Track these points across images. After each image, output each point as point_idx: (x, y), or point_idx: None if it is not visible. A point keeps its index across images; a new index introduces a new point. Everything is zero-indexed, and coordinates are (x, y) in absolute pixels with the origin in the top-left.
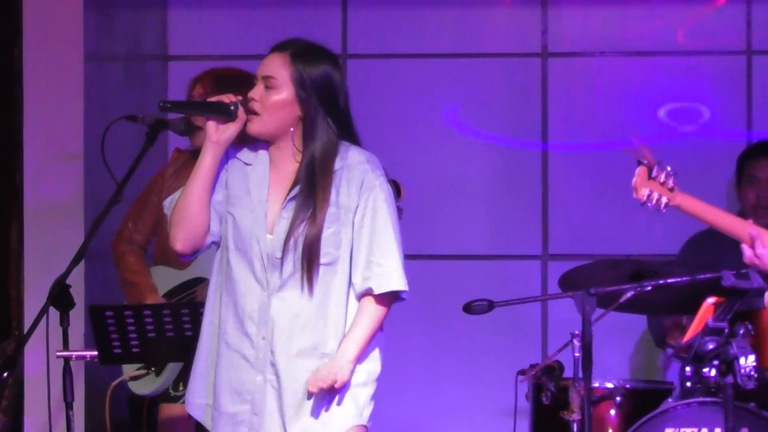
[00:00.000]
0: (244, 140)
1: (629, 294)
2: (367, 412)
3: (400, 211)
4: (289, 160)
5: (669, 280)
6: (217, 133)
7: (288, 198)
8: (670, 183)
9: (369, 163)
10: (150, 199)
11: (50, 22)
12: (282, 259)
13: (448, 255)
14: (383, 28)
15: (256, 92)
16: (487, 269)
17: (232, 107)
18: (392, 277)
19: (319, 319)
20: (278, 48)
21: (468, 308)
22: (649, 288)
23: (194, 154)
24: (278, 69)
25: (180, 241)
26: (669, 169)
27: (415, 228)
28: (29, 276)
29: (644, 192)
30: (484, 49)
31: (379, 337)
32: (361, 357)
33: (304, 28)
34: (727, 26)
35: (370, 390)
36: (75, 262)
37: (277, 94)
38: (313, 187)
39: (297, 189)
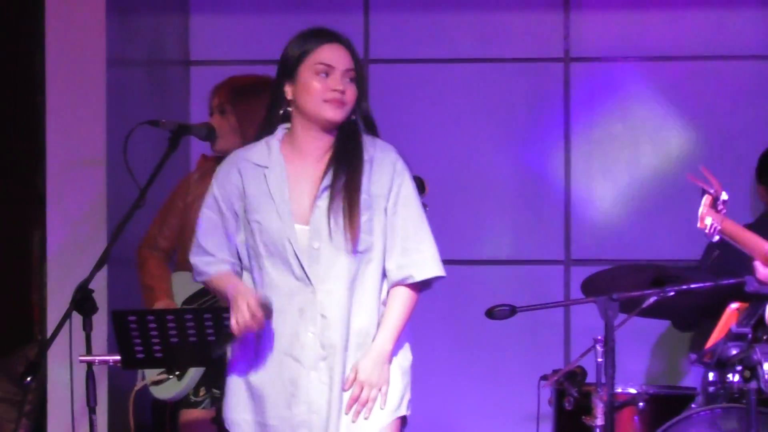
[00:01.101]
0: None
1: (652, 299)
2: (406, 400)
3: (424, 206)
4: (313, 151)
5: (692, 286)
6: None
7: (322, 187)
8: (724, 209)
9: (396, 153)
10: (175, 205)
11: (72, 28)
12: (319, 248)
13: (471, 260)
14: (405, 33)
15: (341, 84)
16: (509, 274)
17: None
18: (430, 263)
19: (361, 309)
20: (334, 38)
21: (491, 313)
22: (672, 293)
23: (219, 159)
24: (351, 61)
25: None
26: (726, 197)
27: (438, 233)
28: (52, 281)
29: (708, 221)
30: (506, 53)
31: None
32: (395, 347)
33: None
34: (751, 30)
35: (407, 379)
36: (98, 267)
37: (354, 86)
38: (348, 173)
39: (329, 177)
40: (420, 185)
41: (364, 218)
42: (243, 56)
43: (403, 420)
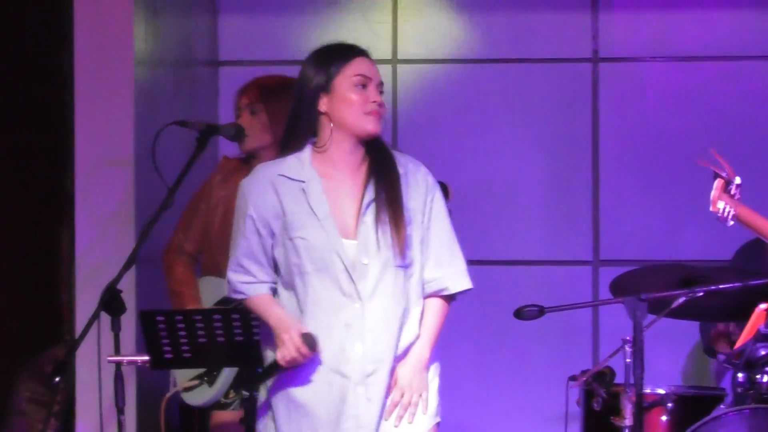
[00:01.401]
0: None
1: (680, 300)
2: (439, 407)
3: (449, 212)
4: (347, 165)
5: (721, 286)
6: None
7: (366, 202)
8: (738, 194)
9: (424, 167)
10: (198, 208)
11: (100, 28)
12: (368, 264)
13: (499, 260)
14: (433, 34)
15: (378, 96)
16: (538, 275)
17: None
18: (462, 276)
19: (408, 322)
20: (363, 53)
21: (519, 314)
22: (701, 294)
23: (242, 161)
24: (379, 74)
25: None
26: (739, 181)
27: (466, 234)
28: (80, 281)
29: (720, 205)
30: (534, 54)
31: None
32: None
33: (354, 33)
34: None
35: (438, 386)
36: (126, 267)
37: (383, 98)
38: (389, 188)
39: (371, 192)
40: (444, 191)
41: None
42: (271, 56)
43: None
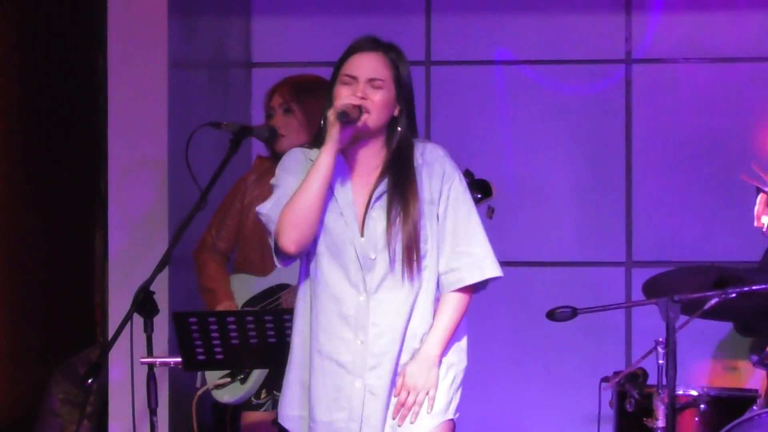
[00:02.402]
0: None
1: (713, 301)
2: (454, 404)
3: (491, 209)
4: (365, 163)
5: (754, 287)
6: (342, 135)
7: (375, 197)
8: None
9: (446, 156)
10: (232, 206)
11: (135, 30)
12: (375, 259)
13: (532, 261)
14: (467, 35)
15: (365, 92)
16: (571, 276)
17: (361, 109)
18: (483, 264)
19: (416, 315)
20: (365, 48)
21: (552, 315)
22: (734, 295)
23: (276, 160)
24: (381, 69)
25: (295, 243)
26: None
27: (499, 234)
28: (114, 283)
29: (765, 221)
30: (567, 55)
31: (462, 326)
32: (445, 350)
33: (387, 34)
34: None
35: (458, 383)
36: (159, 268)
37: (383, 93)
38: (401, 183)
39: (382, 187)
40: (486, 189)
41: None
42: (304, 58)
43: (452, 424)
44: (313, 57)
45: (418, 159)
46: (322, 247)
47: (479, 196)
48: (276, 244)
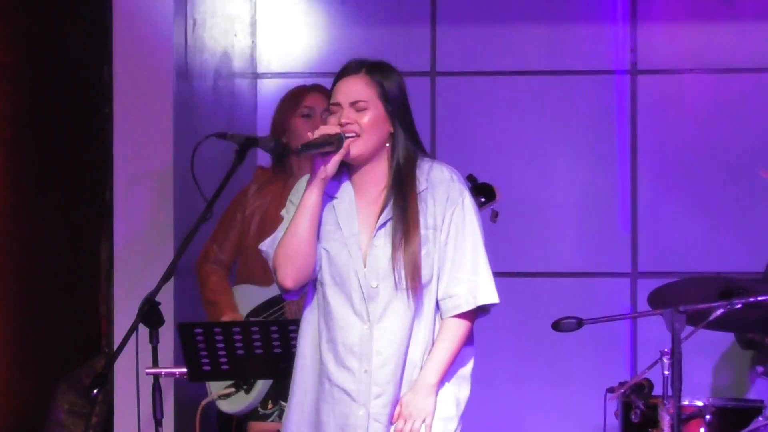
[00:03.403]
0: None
1: (719, 312)
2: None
3: (495, 213)
4: (373, 186)
5: (759, 298)
6: (324, 168)
7: (378, 226)
8: None
9: (452, 179)
10: (234, 218)
11: (140, 40)
12: (377, 287)
13: (537, 272)
14: (472, 46)
15: (349, 117)
16: (576, 286)
17: (341, 136)
18: (479, 291)
19: (417, 343)
20: (348, 72)
21: (557, 326)
22: (739, 306)
23: (279, 171)
24: (362, 90)
25: (291, 279)
26: None
27: (504, 245)
28: (119, 293)
29: None
30: (572, 66)
31: (467, 353)
32: (446, 376)
33: (392, 45)
34: None
35: (459, 411)
36: (165, 279)
37: (370, 113)
38: (404, 211)
39: (386, 214)
40: (490, 192)
41: (423, 252)
42: (310, 69)
43: None
44: (318, 68)
45: (422, 183)
46: (327, 277)
47: (483, 199)
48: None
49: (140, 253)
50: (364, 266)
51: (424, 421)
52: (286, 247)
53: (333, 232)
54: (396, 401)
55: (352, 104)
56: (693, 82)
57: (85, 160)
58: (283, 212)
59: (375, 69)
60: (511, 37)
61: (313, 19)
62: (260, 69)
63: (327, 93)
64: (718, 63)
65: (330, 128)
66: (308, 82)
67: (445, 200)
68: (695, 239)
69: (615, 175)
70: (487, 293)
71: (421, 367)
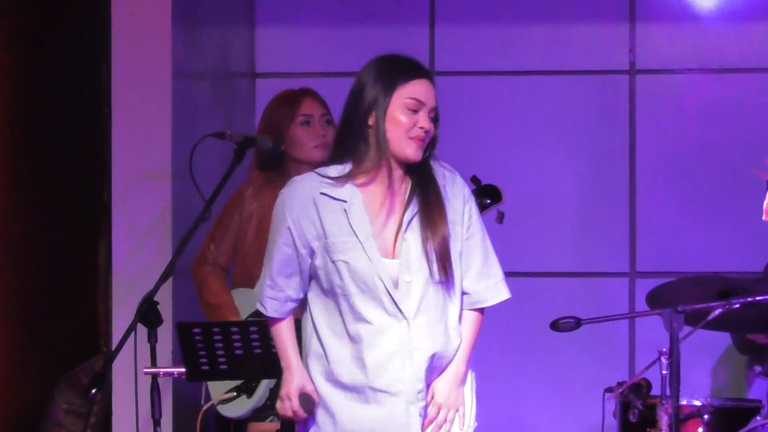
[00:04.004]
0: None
1: (717, 312)
2: (474, 413)
3: (501, 214)
4: (392, 181)
5: (758, 298)
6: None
7: (407, 221)
8: None
9: (460, 178)
10: (231, 221)
11: (138, 40)
12: (411, 282)
13: (536, 272)
14: (470, 46)
15: (426, 122)
16: (574, 286)
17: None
18: (500, 286)
19: (449, 337)
20: (424, 75)
21: (555, 325)
22: (738, 305)
23: (274, 173)
24: (434, 99)
25: (275, 312)
26: None
27: (503, 244)
28: (117, 293)
29: None
30: (571, 66)
31: None
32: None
33: (391, 45)
34: None
35: (473, 395)
36: (163, 279)
37: (436, 123)
38: (430, 204)
39: (413, 209)
40: (496, 194)
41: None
42: (308, 69)
43: None
44: (317, 68)
45: (440, 178)
46: (351, 287)
47: (488, 201)
48: None
49: (139, 253)
50: (394, 258)
51: (457, 411)
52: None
53: (347, 242)
54: (431, 393)
55: (432, 110)
56: (692, 82)
57: (83, 160)
58: (280, 240)
59: (434, 80)
60: (510, 36)
61: (311, 19)
62: (259, 69)
63: (319, 96)
64: (717, 63)
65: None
66: (306, 82)
67: (462, 198)
68: (694, 239)
69: (613, 175)
70: (506, 289)
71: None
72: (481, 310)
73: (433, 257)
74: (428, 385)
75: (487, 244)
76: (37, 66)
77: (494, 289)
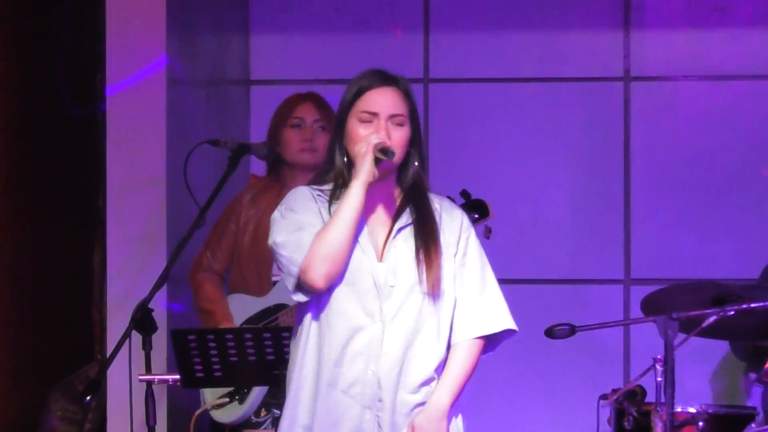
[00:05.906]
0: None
1: (712, 319)
2: None
3: (489, 229)
4: (382, 196)
5: (752, 305)
6: (374, 172)
7: (398, 229)
8: None
9: (461, 211)
10: (227, 227)
11: (133, 47)
12: (394, 287)
13: (530, 279)
14: (465, 53)
15: (388, 131)
16: (569, 293)
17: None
18: (503, 316)
19: (429, 353)
20: (390, 82)
21: (550, 333)
22: (732, 312)
23: (271, 180)
24: (401, 105)
25: (325, 277)
26: None
27: (497, 252)
28: (112, 300)
29: None
30: (565, 73)
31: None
32: (456, 404)
33: (386, 52)
34: None
35: None
36: (158, 286)
37: (405, 130)
38: (424, 218)
39: (405, 219)
40: (483, 209)
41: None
42: (303, 76)
43: None
44: (312, 75)
45: (435, 202)
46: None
47: (476, 216)
48: (301, 281)
49: (133, 260)
50: (381, 262)
51: None
52: (327, 246)
53: None
54: (393, 404)
55: (392, 117)
56: (686, 89)
57: (78, 167)
58: (277, 216)
59: (407, 87)
60: (504, 43)
61: (306, 26)
62: (254, 76)
63: (321, 103)
64: (712, 70)
65: (383, 137)
66: (301, 89)
67: (460, 224)
68: (688, 246)
69: (608, 182)
70: (510, 319)
71: (425, 379)
72: (478, 343)
73: (423, 267)
74: (400, 402)
75: (486, 276)
76: (33, 73)
77: (495, 319)
